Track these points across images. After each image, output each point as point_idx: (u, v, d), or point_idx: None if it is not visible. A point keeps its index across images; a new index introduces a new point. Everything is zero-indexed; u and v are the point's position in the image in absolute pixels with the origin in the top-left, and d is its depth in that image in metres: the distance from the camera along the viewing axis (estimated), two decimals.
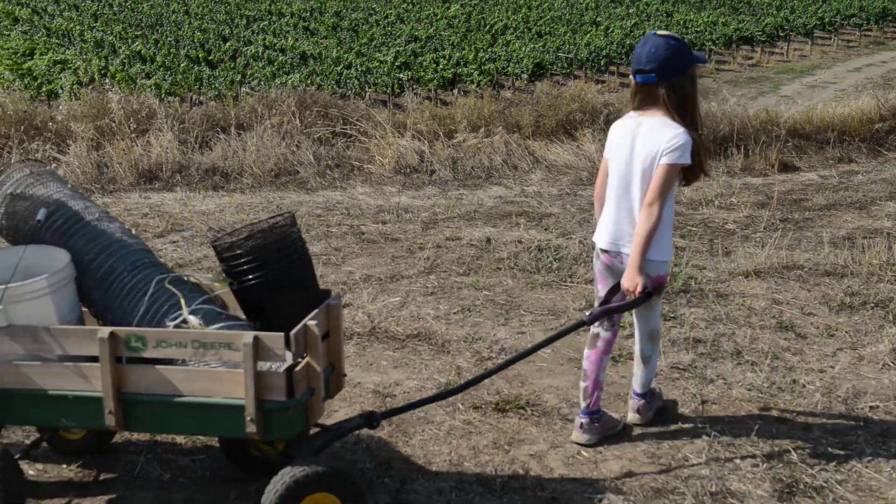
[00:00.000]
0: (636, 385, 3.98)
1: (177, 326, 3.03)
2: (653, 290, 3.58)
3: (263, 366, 2.93)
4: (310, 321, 2.98)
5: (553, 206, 7.71)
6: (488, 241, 6.56)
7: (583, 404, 3.84)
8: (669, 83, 3.53)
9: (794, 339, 4.88)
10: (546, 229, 6.86)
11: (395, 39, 22.92)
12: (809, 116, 10.74)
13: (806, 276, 5.77)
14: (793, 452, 3.73)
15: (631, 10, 29.59)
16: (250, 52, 21.46)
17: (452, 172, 8.82)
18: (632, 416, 3.99)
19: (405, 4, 29.04)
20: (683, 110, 3.57)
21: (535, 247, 6.36)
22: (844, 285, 5.57)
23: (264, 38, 23.15)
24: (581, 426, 3.83)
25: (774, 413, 4.10)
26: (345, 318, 4.58)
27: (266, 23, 25.85)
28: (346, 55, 21.23)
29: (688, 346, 4.76)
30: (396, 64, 19.04)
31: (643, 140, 3.57)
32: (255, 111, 9.56)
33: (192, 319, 3.05)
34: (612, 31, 25.02)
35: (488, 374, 3.60)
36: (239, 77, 18.14)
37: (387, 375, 4.42)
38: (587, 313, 3.63)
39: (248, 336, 2.85)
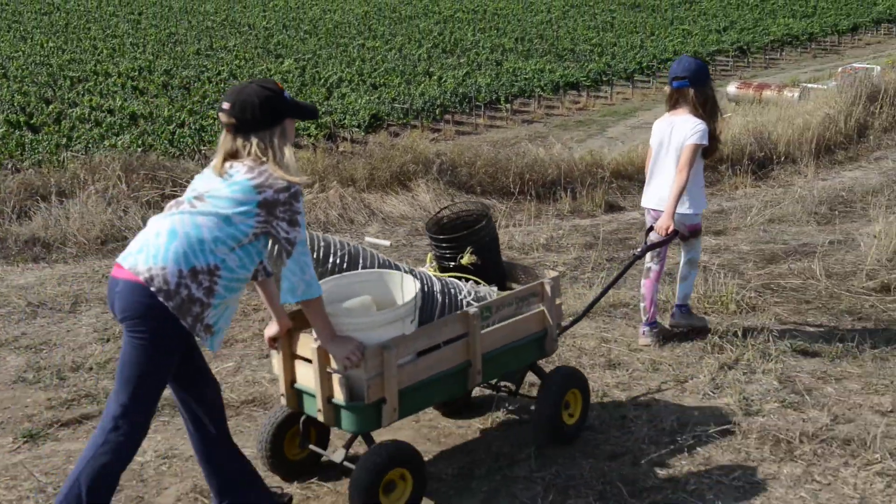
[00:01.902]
0: (678, 298, 5.53)
1: (468, 303, 3.95)
2: (689, 233, 5.33)
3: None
4: (552, 276, 4.19)
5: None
6: None
7: (644, 318, 5.40)
8: (697, 88, 5.12)
9: (623, 376, 5.04)
10: None
11: None
12: (631, 157, 11.26)
13: (631, 314, 5.99)
14: (622, 489, 3.84)
15: (462, 60, 30.39)
16: (76, 115, 20.73)
17: None
18: (670, 321, 5.55)
19: (237, 61, 28.79)
20: (704, 108, 5.14)
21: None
22: (667, 320, 5.81)
23: (90, 100, 22.43)
24: (643, 333, 5.39)
25: (606, 449, 4.21)
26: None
27: (92, 83, 25.06)
28: (178, 114, 20.80)
29: (522, 389, 4.83)
30: None
31: (677, 131, 5.15)
32: (77, 177, 9.20)
33: (483, 289, 4.14)
34: (446, 81, 25.60)
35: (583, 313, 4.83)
36: (65, 140, 17.46)
37: None
38: (637, 250, 5.20)
39: (547, 281, 4.10)
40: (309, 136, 19.56)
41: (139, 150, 13.64)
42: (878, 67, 21.72)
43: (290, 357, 3.67)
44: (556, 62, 29.61)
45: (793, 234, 8.20)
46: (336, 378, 3.46)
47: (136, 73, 26.75)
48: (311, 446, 3.94)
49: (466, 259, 4.23)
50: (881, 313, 5.95)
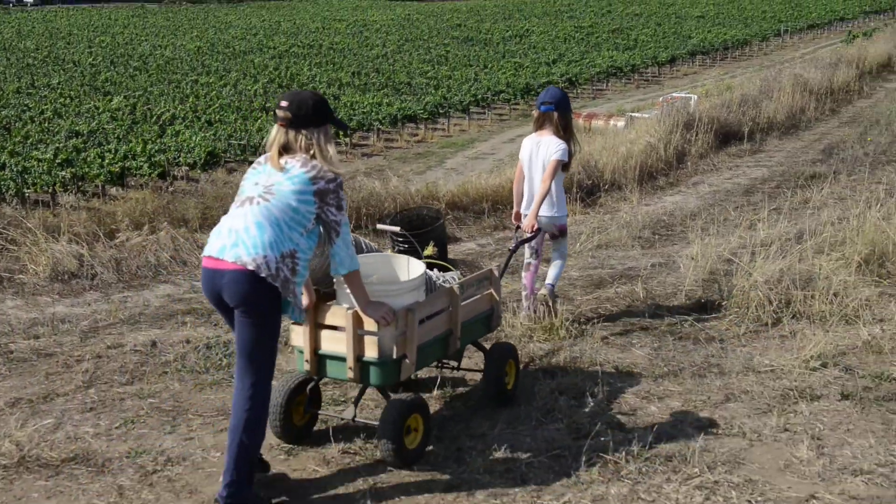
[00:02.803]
0: (549, 278, 6.50)
1: (445, 281, 4.87)
2: (559, 232, 6.47)
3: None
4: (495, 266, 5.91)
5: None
6: (154, 344, 6.29)
7: (525, 304, 6.44)
8: (560, 112, 6.18)
9: (461, 409, 5.10)
10: (216, 325, 6.70)
11: (54, 136, 21.67)
12: (466, 189, 11.45)
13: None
14: None
15: None
16: None
17: (116, 274, 8.39)
18: (540, 295, 6.44)
19: (62, 99, 27.61)
20: (565, 130, 6.22)
21: (203, 345, 6.19)
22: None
23: None
24: (525, 314, 6.36)
25: (442, 481, 4.24)
26: None
27: None
28: None
29: (357, 430, 4.81)
30: (57, 161, 17.97)
31: (542, 148, 6.21)
32: None
33: (447, 274, 5.01)
34: None
35: None
36: None
37: None
38: (512, 245, 6.10)
39: (494, 268, 5.21)
40: (142, 175, 18.95)
41: None
42: (695, 96, 23.03)
43: (315, 327, 4.33)
44: (393, 95, 29.91)
45: (619, 258, 8.54)
46: (367, 339, 4.21)
47: None
48: (319, 412, 4.74)
49: (429, 251, 5.34)
50: (699, 332, 6.27)
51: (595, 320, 6.51)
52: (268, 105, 27.49)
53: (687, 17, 57.05)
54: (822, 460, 4.36)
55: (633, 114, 22.29)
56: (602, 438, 4.63)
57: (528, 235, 6.20)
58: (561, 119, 6.19)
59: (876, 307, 6.49)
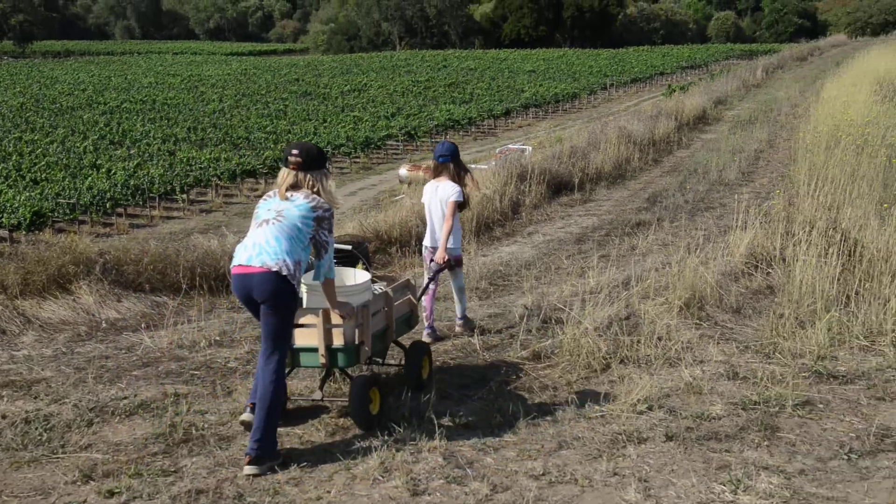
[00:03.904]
0: (459, 312, 7.68)
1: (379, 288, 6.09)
2: (455, 263, 7.47)
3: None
4: (411, 276, 7.55)
5: (46, 369, 7.17)
6: None
7: (426, 323, 7.42)
8: (454, 163, 7.43)
9: (296, 471, 5.00)
10: (35, 397, 6.34)
11: None
12: None
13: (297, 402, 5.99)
14: None
15: (132, 151, 29.38)
16: None
17: None
18: (457, 329, 7.64)
19: None
20: (459, 176, 7.43)
21: (21, 419, 5.83)
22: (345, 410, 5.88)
23: None
24: (426, 333, 7.38)
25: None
26: None
27: None
28: None
29: (189, 498, 4.64)
30: None
31: (441, 192, 7.38)
32: None
33: (377, 285, 6.12)
34: (115, 174, 24.58)
35: None
36: None
37: None
38: (428, 277, 7.24)
39: (411, 278, 6.69)
40: None
41: None
42: (530, 148, 23.83)
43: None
44: (231, 150, 29.50)
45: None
46: (335, 331, 5.45)
47: None
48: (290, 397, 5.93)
49: (360, 267, 6.69)
50: (533, 380, 6.42)
51: (433, 374, 6.56)
52: (98, 162, 26.55)
53: (519, 72, 59.16)
54: (648, 502, 4.52)
55: (471, 165, 22.75)
56: (439, 494, 4.64)
57: (441, 266, 7.25)
58: (455, 168, 7.44)
59: (696, 349, 6.83)
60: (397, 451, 5.19)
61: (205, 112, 38.59)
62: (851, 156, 13.77)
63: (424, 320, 7.44)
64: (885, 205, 9.44)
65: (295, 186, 5.19)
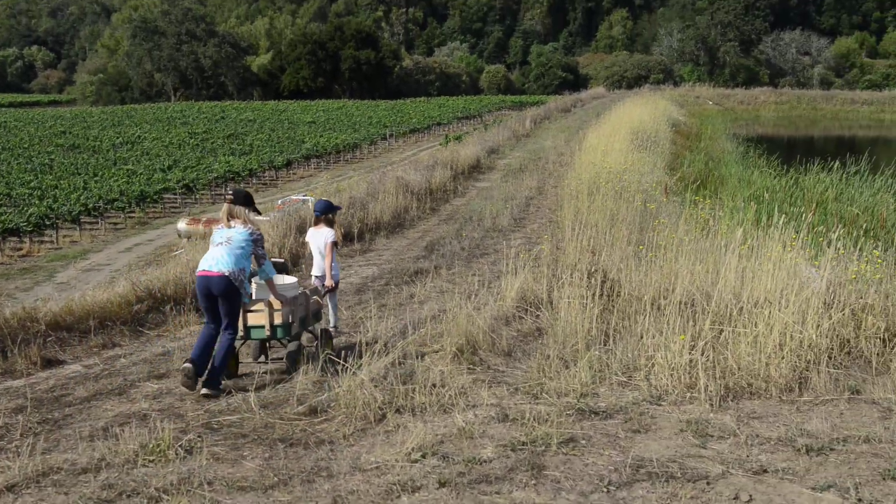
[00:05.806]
0: (332, 320, 9.71)
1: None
2: (335, 285, 9.64)
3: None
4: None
5: None
6: None
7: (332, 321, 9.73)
8: (327, 216, 9.75)
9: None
10: None
11: None
12: (70, 307, 10.74)
13: (64, 479, 5.63)
14: None
15: None
16: None
17: None
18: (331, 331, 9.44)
19: None
20: (331, 223, 9.74)
21: None
22: (101, 479, 5.57)
23: None
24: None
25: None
26: None
27: None
28: None
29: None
30: None
31: (320, 235, 9.67)
32: None
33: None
34: None
35: None
36: None
37: None
38: (322, 292, 9.32)
39: (316, 288, 9.33)
40: None
41: None
42: (312, 198, 23.78)
43: (245, 313, 8.00)
44: None
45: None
46: (276, 313, 8.02)
47: None
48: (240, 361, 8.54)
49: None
50: (309, 436, 6.37)
51: (205, 435, 6.36)
52: None
53: (299, 123, 59.19)
54: None
55: (253, 216, 22.41)
56: None
57: (329, 288, 9.44)
58: (329, 219, 9.77)
59: (470, 394, 7.02)
60: None
61: None
62: (611, 201, 14.77)
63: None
64: (641, 247, 10.15)
65: (231, 215, 7.84)
